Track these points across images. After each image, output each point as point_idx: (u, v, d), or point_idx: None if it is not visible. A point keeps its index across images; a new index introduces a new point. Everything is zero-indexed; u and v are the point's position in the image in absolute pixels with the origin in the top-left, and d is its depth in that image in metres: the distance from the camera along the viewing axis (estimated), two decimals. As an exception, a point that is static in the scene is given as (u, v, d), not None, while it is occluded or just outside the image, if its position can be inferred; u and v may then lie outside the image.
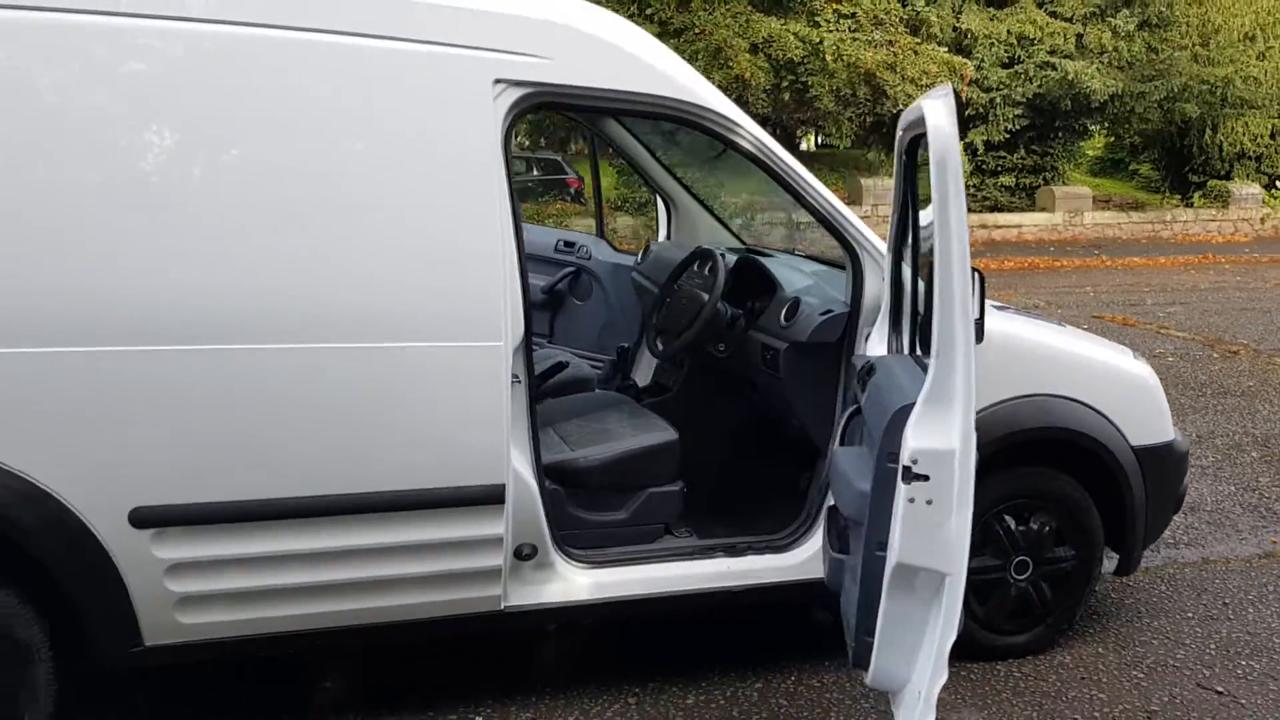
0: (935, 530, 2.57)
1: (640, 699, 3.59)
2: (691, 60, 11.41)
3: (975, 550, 3.00)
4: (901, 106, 15.45)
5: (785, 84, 15.16)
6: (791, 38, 14.99)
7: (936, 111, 2.59)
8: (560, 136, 20.52)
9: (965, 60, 16.01)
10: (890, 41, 15.31)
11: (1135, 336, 9.73)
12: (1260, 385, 7.97)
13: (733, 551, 3.65)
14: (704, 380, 4.52)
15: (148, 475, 2.91)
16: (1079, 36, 17.10)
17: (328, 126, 2.98)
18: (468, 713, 3.50)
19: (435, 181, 3.07)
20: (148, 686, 3.61)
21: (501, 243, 3.12)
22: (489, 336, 3.12)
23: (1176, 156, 19.52)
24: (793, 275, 4.13)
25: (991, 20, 17.01)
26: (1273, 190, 19.16)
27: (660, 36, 8.61)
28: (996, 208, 18.32)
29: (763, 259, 4.36)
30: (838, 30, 15.22)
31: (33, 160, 2.75)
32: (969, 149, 18.22)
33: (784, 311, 3.84)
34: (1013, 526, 3.76)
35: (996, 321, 3.62)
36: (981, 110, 16.97)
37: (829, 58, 14.96)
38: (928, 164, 3.19)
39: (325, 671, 3.79)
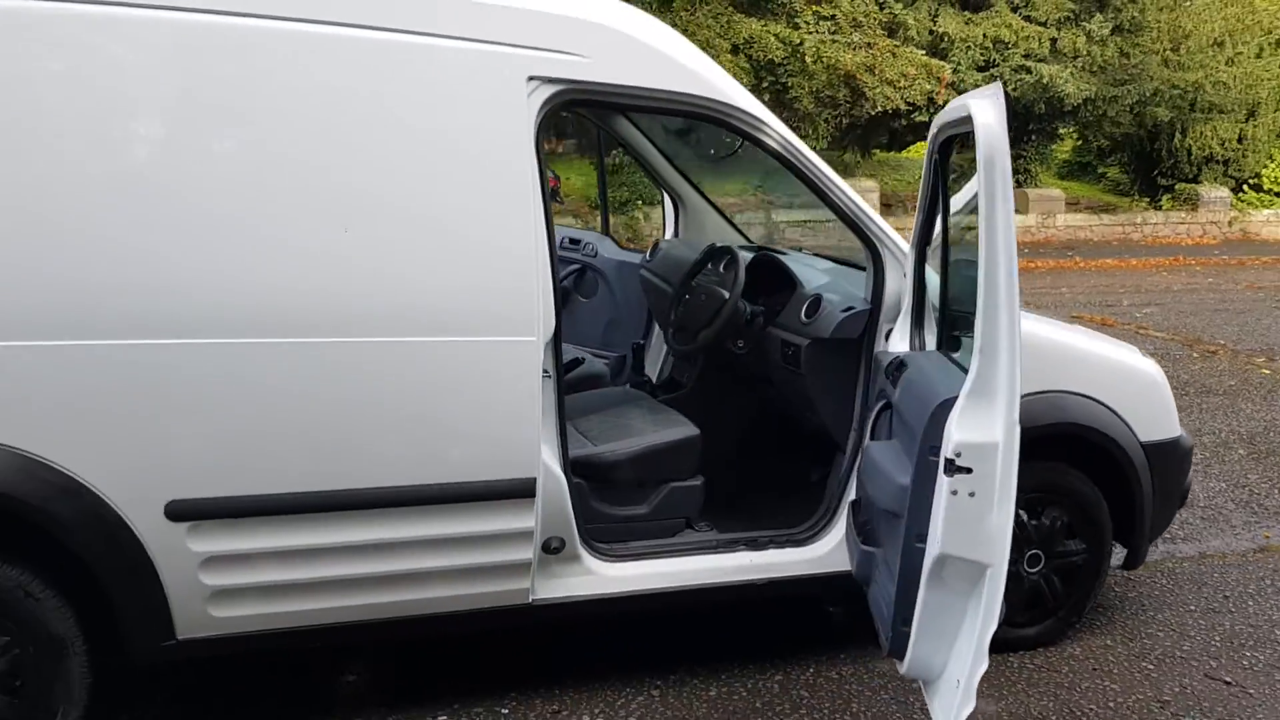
0: (978, 522, 2.62)
1: (663, 691, 3.63)
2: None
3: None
4: (880, 108, 15.61)
5: (766, 84, 15.24)
6: (772, 39, 15.07)
7: (985, 111, 2.64)
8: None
9: (943, 64, 16.14)
10: (869, 44, 15.42)
11: (1114, 337, 9.84)
12: (1241, 384, 8.12)
13: (754, 545, 3.69)
14: (718, 376, 4.56)
15: (184, 468, 2.91)
16: (1053, 41, 17.27)
17: (365, 123, 3.00)
18: (493, 705, 3.52)
19: (471, 178, 3.09)
20: (179, 678, 3.61)
21: (535, 239, 3.14)
22: (523, 332, 3.14)
23: (1146, 160, 19.78)
24: (810, 273, 4.17)
25: (967, 24, 17.14)
26: (1240, 194, 19.48)
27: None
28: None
29: (779, 257, 4.40)
30: (818, 32, 15.31)
31: (80, 157, 2.75)
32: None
33: (804, 308, 3.88)
34: (1025, 520, 3.81)
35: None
36: (957, 113, 17.14)
37: (809, 59, 15.05)
38: (959, 163, 3.26)
39: (350, 665, 3.80)
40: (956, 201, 3.29)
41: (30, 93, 2.71)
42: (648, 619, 3.95)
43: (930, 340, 3.53)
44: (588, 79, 3.22)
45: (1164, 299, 12.66)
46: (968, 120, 2.81)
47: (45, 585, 2.90)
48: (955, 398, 2.68)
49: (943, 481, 2.64)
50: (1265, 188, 19.78)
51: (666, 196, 5.25)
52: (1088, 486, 3.90)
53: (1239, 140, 18.90)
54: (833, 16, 15.62)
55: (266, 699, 3.60)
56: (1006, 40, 17.18)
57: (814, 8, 15.58)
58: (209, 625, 3.06)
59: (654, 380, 4.95)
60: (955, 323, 3.33)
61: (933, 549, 2.69)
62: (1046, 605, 3.93)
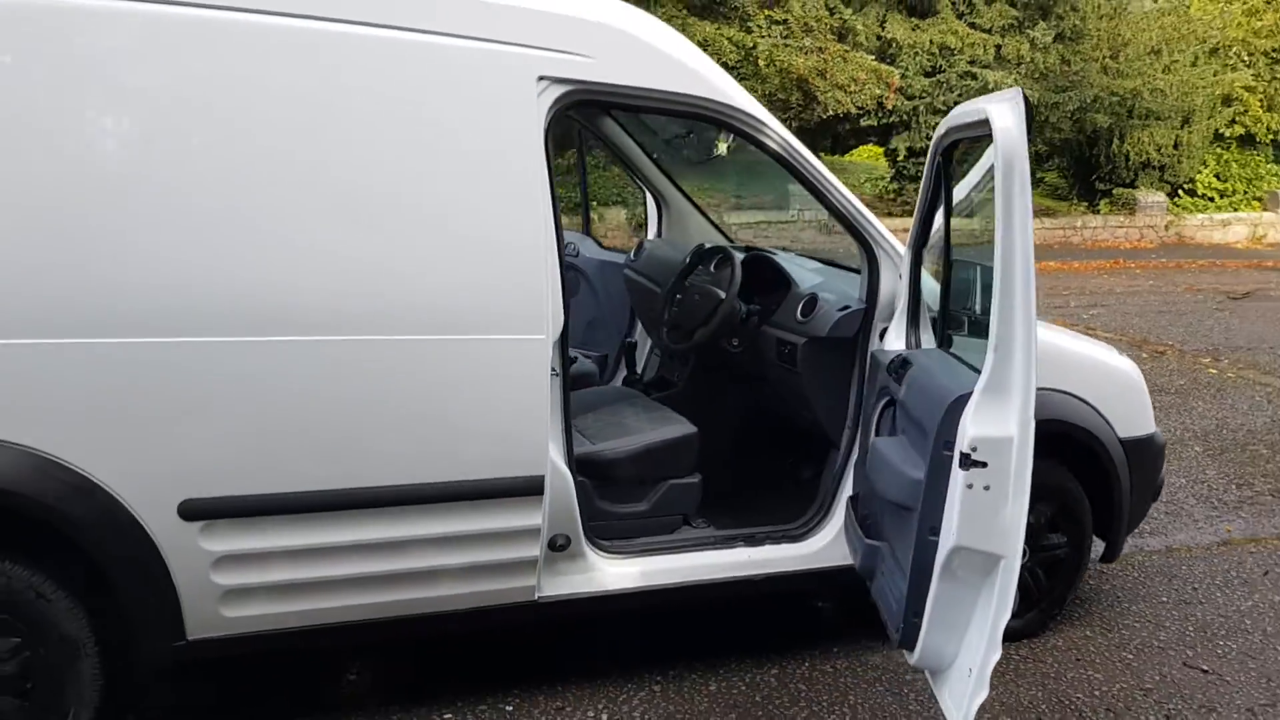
0: (993, 515, 2.70)
1: (664, 686, 3.67)
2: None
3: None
4: (832, 112, 15.79)
5: (719, 87, 15.33)
6: (726, 42, 15.16)
7: (1004, 115, 2.71)
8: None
9: (892, 69, 16.38)
10: (820, 48, 15.58)
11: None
12: (1191, 384, 8.37)
13: (752, 541, 3.75)
14: (709, 374, 4.61)
15: (198, 468, 2.90)
16: (998, 48, 17.61)
17: (379, 121, 2.99)
18: (497, 703, 3.54)
19: (484, 178, 3.10)
20: (187, 678, 3.58)
21: (545, 239, 3.16)
22: (534, 330, 3.16)
23: (1085, 165, 20.21)
24: (802, 273, 4.24)
25: (914, 30, 17.41)
26: (1175, 199, 20.01)
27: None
28: (917, 212, 18.70)
29: (772, 257, 4.46)
30: (770, 36, 15.44)
31: (93, 155, 2.74)
32: (890, 155, 18.65)
33: (800, 307, 3.95)
34: (1012, 515, 3.91)
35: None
36: (905, 118, 17.39)
37: (762, 62, 15.19)
38: (961, 166, 3.35)
39: (354, 663, 3.79)
40: (960, 190, 3.37)
41: (40, 91, 2.68)
42: (645, 615, 3.99)
43: (926, 339, 3.61)
44: (595, 79, 3.25)
45: (1108, 301, 12.97)
46: (979, 125, 2.89)
47: (57, 586, 2.87)
48: (969, 394, 2.75)
49: (958, 475, 2.71)
50: (1199, 192, 20.35)
51: (650, 196, 5.30)
52: (1071, 482, 4.01)
53: (1175, 146, 19.38)
54: (785, 21, 15.77)
55: (272, 698, 3.59)
56: (953, 47, 17.48)
57: (766, 12, 15.72)
58: (220, 625, 3.04)
59: (643, 379, 4.99)
60: (955, 322, 3.42)
61: (947, 541, 2.77)
62: (1030, 598, 4.03)
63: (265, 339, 2.90)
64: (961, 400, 2.76)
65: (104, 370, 2.77)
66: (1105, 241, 18.92)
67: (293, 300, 2.92)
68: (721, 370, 4.56)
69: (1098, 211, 19.59)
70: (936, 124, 15.62)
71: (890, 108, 16.72)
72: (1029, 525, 3.85)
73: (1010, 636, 3.98)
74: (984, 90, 17.07)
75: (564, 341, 3.31)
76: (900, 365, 3.31)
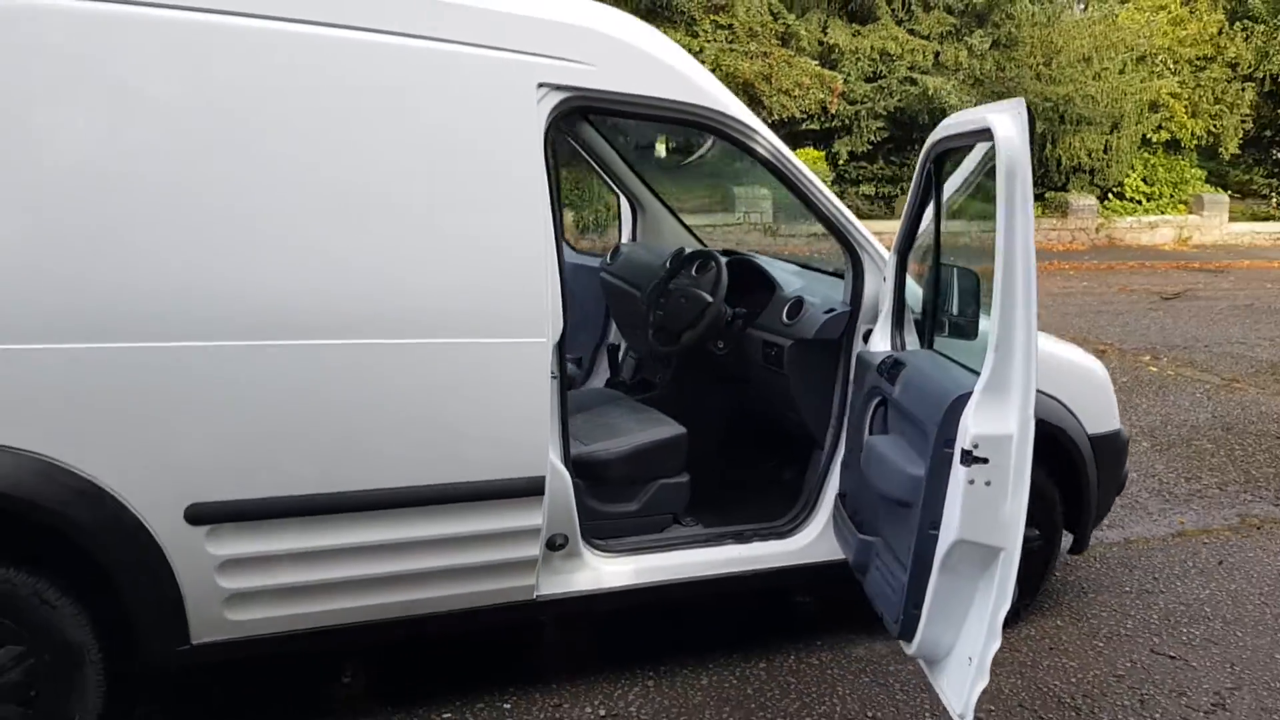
0: (994, 509, 2.80)
1: (658, 681, 3.73)
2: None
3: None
4: (776, 116, 15.97)
5: (665, 91, 15.43)
6: (672, 46, 15.29)
7: (1006, 125, 2.82)
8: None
9: (835, 74, 16.64)
10: (765, 53, 15.78)
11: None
12: (1134, 381, 8.64)
13: (740, 538, 3.82)
14: (693, 376, 4.68)
15: (204, 471, 2.90)
16: (936, 54, 17.98)
17: (381, 126, 3.01)
18: (494, 702, 3.57)
19: (486, 184, 3.14)
20: (188, 680, 3.57)
21: (545, 243, 3.21)
22: (535, 333, 3.21)
23: (1018, 169, 20.73)
24: (786, 276, 4.33)
25: (855, 36, 17.70)
26: (1105, 202, 20.57)
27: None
28: (858, 215, 18.97)
29: (756, 260, 4.55)
30: (716, 41, 15.60)
31: (95, 159, 2.73)
32: (831, 159, 18.90)
33: (786, 310, 4.04)
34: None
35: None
36: (846, 122, 17.67)
37: (709, 67, 15.31)
38: (948, 173, 3.45)
39: (352, 665, 3.80)
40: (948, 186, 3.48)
41: (49, 95, 2.66)
42: (635, 613, 4.04)
43: (910, 340, 3.71)
44: (593, 86, 3.30)
45: (1046, 301, 13.26)
46: (976, 134, 3.00)
47: (61, 592, 2.85)
48: (969, 393, 2.85)
49: (959, 471, 2.81)
50: (1128, 196, 20.93)
51: (625, 201, 5.35)
52: (1043, 478, 4.14)
53: (1104, 151, 19.92)
54: (730, 26, 15.93)
55: (272, 701, 3.59)
56: (893, 53, 17.79)
57: (712, 17, 15.86)
58: (224, 629, 3.04)
59: (626, 381, 5.05)
60: (941, 325, 3.52)
61: (948, 536, 2.86)
62: (1007, 590, 4.16)
63: (269, 343, 2.91)
64: (962, 399, 2.86)
65: (110, 375, 2.76)
66: (1039, 244, 19.25)
67: (299, 304, 2.93)
68: (704, 372, 4.63)
69: (1032, 214, 20.09)
70: (877, 128, 15.80)
71: (833, 112, 16.97)
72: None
73: (984, 628, 4.16)
74: (924, 95, 17.42)
75: (562, 345, 3.35)
76: (893, 366, 3.41)
